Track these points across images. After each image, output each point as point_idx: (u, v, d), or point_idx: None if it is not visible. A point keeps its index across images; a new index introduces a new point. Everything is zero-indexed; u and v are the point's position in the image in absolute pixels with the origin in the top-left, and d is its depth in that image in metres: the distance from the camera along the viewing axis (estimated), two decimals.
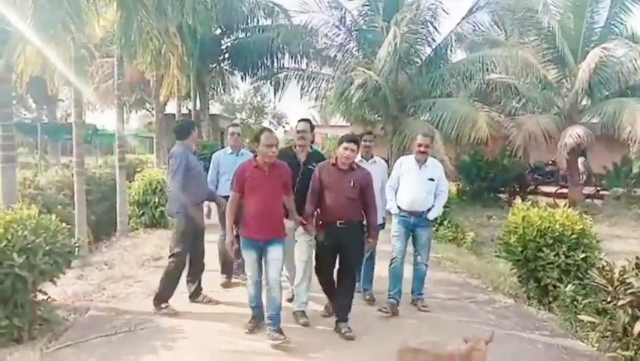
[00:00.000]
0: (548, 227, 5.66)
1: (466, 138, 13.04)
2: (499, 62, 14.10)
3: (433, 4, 14.66)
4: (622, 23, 16.03)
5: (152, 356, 4.16)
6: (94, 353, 4.19)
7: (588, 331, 4.68)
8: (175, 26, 10.40)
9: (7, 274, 4.27)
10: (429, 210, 5.42)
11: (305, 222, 4.72)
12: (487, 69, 14.19)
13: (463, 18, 15.30)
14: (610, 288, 4.04)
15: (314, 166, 4.86)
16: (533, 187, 17.57)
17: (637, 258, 4.05)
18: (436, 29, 15.11)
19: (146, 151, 29.12)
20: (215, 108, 31.29)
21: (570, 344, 4.58)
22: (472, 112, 13.23)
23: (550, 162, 17.75)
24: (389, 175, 5.72)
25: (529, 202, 7.05)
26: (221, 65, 19.22)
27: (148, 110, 25.31)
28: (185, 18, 9.36)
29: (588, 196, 15.92)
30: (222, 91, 22.10)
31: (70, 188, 9.92)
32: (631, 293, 3.79)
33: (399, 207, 5.43)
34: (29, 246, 4.42)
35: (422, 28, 14.67)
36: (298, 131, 5.28)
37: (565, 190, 15.72)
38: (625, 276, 3.93)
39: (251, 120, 35.30)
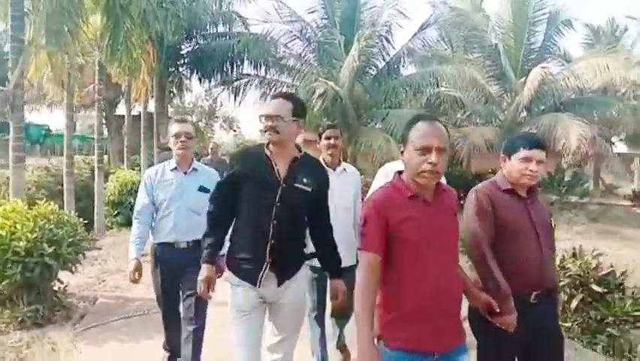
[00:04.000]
0: None
1: None
2: (447, 76, 15.19)
3: (387, 21, 15.66)
4: (556, 44, 17.72)
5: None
6: (120, 331, 4.75)
7: None
8: (148, 34, 10.85)
9: (36, 262, 4.77)
10: None
11: (497, 303, 2.34)
12: (437, 83, 15.26)
13: (415, 34, 16.37)
14: None
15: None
16: None
17: (574, 249, 5.03)
18: (391, 44, 16.12)
19: (90, 153, 28.82)
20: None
21: None
22: None
23: (491, 171, 19.11)
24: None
25: None
26: (180, 69, 19.54)
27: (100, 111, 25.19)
28: (160, 27, 9.92)
29: None
30: (180, 94, 22.34)
31: (46, 188, 10.23)
32: (569, 276, 4.72)
33: None
34: (55, 238, 4.94)
35: (378, 42, 15.63)
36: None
37: None
38: (564, 263, 4.87)
39: (201, 124, 35.36)
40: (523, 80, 15.42)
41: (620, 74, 15.23)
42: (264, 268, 2.67)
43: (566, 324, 4.69)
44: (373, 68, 16.20)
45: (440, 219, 2.20)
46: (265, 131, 2.68)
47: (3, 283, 4.73)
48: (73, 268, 5.22)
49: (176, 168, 3.69)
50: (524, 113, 16.64)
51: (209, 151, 9.09)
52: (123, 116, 22.66)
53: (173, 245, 3.59)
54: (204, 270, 2.71)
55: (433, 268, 2.13)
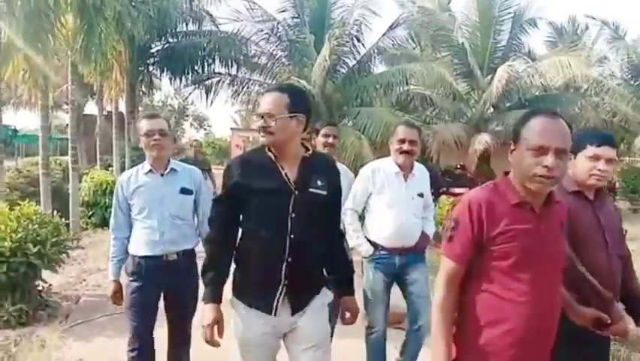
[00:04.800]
0: None
1: (388, 144, 14.33)
2: (416, 74, 15.53)
3: (357, 20, 15.91)
4: (521, 43, 18.27)
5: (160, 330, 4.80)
6: (105, 328, 4.86)
7: None
8: (121, 34, 10.86)
9: (21, 262, 4.84)
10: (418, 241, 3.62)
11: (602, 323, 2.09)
12: (406, 81, 15.58)
13: (384, 34, 16.67)
14: None
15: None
16: (445, 189, 19.32)
17: None
18: (362, 43, 16.38)
19: (57, 153, 28.45)
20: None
21: None
22: (394, 120, 14.53)
23: (459, 166, 19.58)
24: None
25: (450, 200, 8.35)
26: (150, 68, 19.48)
27: (66, 111, 24.90)
28: (132, 27, 9.97)
29: None
30: (149, 93, 22.25)
31: (19, 189, 10.18)
32: None
33: (375, 245, 3.54)
34: (39, 238, 5.02)
35: (348, 41, 15.87)
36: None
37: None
38: None
39: (172, 122, 35.22)
40: (489, 77, 15.88)
41: (582, 72, 15.83)
42: (279, 291, 2.28)
43: None
44: (344, 66, 16.43)
45: (548, 235, 1.87)
46: (259, 132, 2.30)
47: None
48: (57, 268, 5.30)
49: (151, 171, 3.24)
50: (491, 110, 17.09)
51: (192, 148, 9.09)
52: (92, 115, 22.49)
53: (160, 258, 3.16)
54: (209, 312, 2.25)
55: (534, 293, 1.82)
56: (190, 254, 3.31)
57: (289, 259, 2.26)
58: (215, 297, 2.28)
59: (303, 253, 2.29)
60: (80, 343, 4.52)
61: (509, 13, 17.30)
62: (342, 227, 3.02)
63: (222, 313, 2.28)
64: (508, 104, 17.11)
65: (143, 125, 3.21)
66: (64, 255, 5.31)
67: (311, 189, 2.30)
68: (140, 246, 3.20)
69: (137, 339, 3.20)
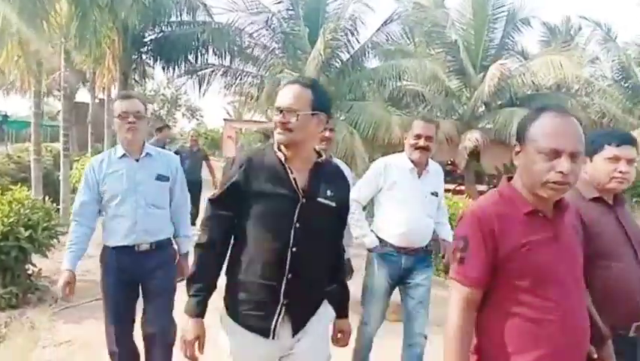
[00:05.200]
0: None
1: (380, 139, 14.45)
2: (409, 70, 15.62)
3: (352, 14, 15.97)
4: (514, 41, 18.43)
5: None
6: (94, 311, 4.86)
7: None
8: (115, 22, 10.88)
9: (12, 246, 4.91)
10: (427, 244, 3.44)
11: (594, 347, 1.82)
12: (399, 77, 15.68)
13: (379, 29, 16.73)
14: None
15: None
16: None
17: None
18: (356, 37, 16.45)
19: (47, 140, 28.36)
20: None
21: None
22: (386, 115, 14.68)
23: (449, 163, 19.75)
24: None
25: None
26: (143, 57, 19.42)
27: (57, 98, 24.86)
28: (126, 15, 10.00)
29: (481, 193, 18.01)
30: (142, 82, 22.21)
31: (10, 175, 10.18)
32: None
33: (381, 240, 3.40)
34: (30, 222, 5.08)
35: (343, 36, 15.93)
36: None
37: (462, 187, 17.68)
38: None
39: (163, 112, 35.14)
40: (481, 75, 16.01)
41: (573, 72, 15.99)
42: (277, 312, 2.03)
43: None
44: (338, 60, 16.48)
45: (566, 241, 1.71)
46: (274, 129, 2.05)
47: None
48: (48, 253, 5.36)
49: (125, 155, 3.01)
50: (482, 108, 17.23)
51: (189, 141, 9.12)
52: (84, 103, 22.41)
53: (132, 248, 2.97)
54: (192, 327, 2.01)
55: (563, 308, 1.64)
56: (165, 244, 3.11)
57: (289, 276, 2.02)
58: (200, 311, 2.03)
59: (306, 270, 2.05)
60: (69, 325, 4.60)
61: (503, 11, 17.43)
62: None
63: (205, 328, 2.05)
64: (499, 102, 17.25)
65: (117, 106, 2.99)
66: (54, 240, 5.37)
67: (319, 199, 2.08)
68: (110, 235, 2.99)
69: (116, 343, 3.01)
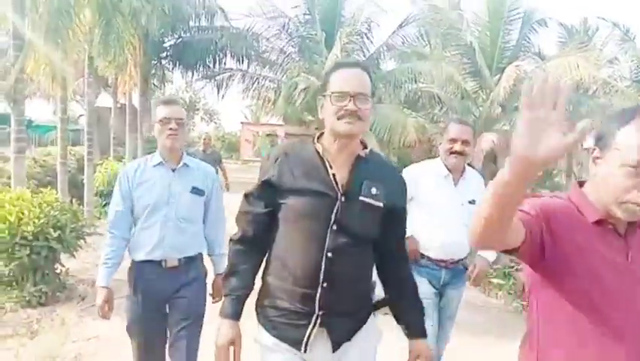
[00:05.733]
0: None
1: (396, 142, 14.57)
2: (425, 73, 15.75)
3: (368, 17, 16.16)
4: (530, 42, 18.44)
5: None
6: (121, 308, 5.09)
7: (497, 290, 6.25)
8: (137, 29, 11.18)
9: (42, 246, 5.16)
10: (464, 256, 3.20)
11: None
12: (415, 79, 15.79)
13: (394, 31, 16.89)
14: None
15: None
16: None
17: None
18: (371, 40, 16.63)
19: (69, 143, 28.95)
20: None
21: (483, 299, 6.10)
22: (402, 117, 14.80)
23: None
24: None
25: None
26: (162, 62, 19.79)
27: (79, 103, 25.44)
28: (146, 22, 10.29)
29: None
30: (161, 86, 22.62)
31: (36, 178, 10.52)
32: None
33: (421, 254, 3.14)
34: (59, 223, 5.33)
35: (358, 39, 16.12)
36: (453, 140, 3.09)
37: None
38: None
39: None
40: (497, 77, 16.05)
41: (590, 73, 15.94)
42: (312, 323, 1.84)
43: (525, 303, 5.23)
44: None
45: (637, 261, 1.41)
46: (340, 118, 1.78)
47: (12, 265, 5.11)
48: (75, 253, 5.60)
49: (161, 164, 2.82)
50: (499, 110, 17.25)
51: (202, 143, 8.92)
52: (104, 108, 22.86)
53: (159, 264, 2.78)
54: (225, 329, 1.85)
55: (630, 338, 1.36)
56: (195, 259, 2.90)
57: (325, 284, 1.81)
58: (235, 312, 1.86)
59: (344, 278, 1.83)
60: (96, 322, 4.79)
61: (519, 13, 17.45)
62: None
63: (241, 332, 1.87)
64: (515, 104, 17.25)
65: (160, 111, 2.77)
66: (81, 240, 5.62)
67: (362, 198, 1.82)
68: (139, 249, 2.81)
69: None
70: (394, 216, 1.92)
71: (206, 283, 2.96)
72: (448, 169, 3.12)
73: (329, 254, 1.80)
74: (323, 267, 1.80)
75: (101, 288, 2.80)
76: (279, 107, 15.51)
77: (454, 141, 3.08)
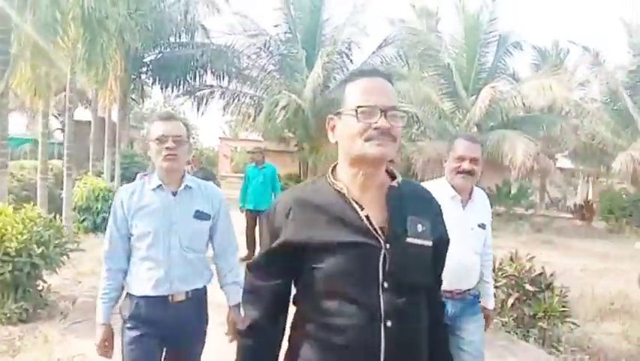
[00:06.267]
0: None
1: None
2: (403, 92, 16.02)
3: (348, 37, 16.43)
4: (505, 64, 18.95)
5: None
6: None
7: None
8: (121, 46, 11.21)
9: (25, 262, 5.12)
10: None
11: None
12: None
13: (374, 52, 17.19)
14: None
15: None
16: None
17: (511, 253, 5.72)
18: (351, 60, 16.89)
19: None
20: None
21: None
22: None
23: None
24: None
25: None
26: (142, 77, 19.75)
27: (55, 117, 25.24)
28: (129, 38, 10.34)
29: None
30: (140, 101, 22.56)
31: (13, 193, 10.37)
32: (505, 277, 5.40)
33: None
34: (42, 239, 5.30)
35: (338, 58, 16.36)
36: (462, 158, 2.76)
37: None
38: (502, 265, 5.55)
39: None
40: (474, 97, 16.43)
41: (563, 95, 16.42)
42: None
43: (503, 319, 5.38)
44: (335, 81, 16.92)
45: None
46: (368, 139, 1.39)
47: None
48: (57, 269, 5.57)
49: (160, 187, 2.50)
50: (475, 130, 17.61)
51: (190, 160, 8.59)
52: (82, 121, 22.65)
53: (165, 299, 2.45)
54: None
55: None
56: (201, 293, 2.59)
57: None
58: None
59: (412, 351, 1.41)
60: (80, 340, 4.79)
61: (494, 36, 17.93)
62: None
63: None
64: (491, 124, 17.66)
65: (156, 128, 2.43)
66: (64, 256, 5.58)
67: (409, 239, 1.40)
68: (139, 283, 2.47)
69: None
70: (439, 255, 1.54)
71: (207, 317, 2.67)
72: (455, 190, 2.80)
73: (388, 323, 1.34)
74: (383, 343, 1.34)
75: (100, 325, 2.55)
76: (259, 123, 15.64)
77: (462, 159, 2.75)
